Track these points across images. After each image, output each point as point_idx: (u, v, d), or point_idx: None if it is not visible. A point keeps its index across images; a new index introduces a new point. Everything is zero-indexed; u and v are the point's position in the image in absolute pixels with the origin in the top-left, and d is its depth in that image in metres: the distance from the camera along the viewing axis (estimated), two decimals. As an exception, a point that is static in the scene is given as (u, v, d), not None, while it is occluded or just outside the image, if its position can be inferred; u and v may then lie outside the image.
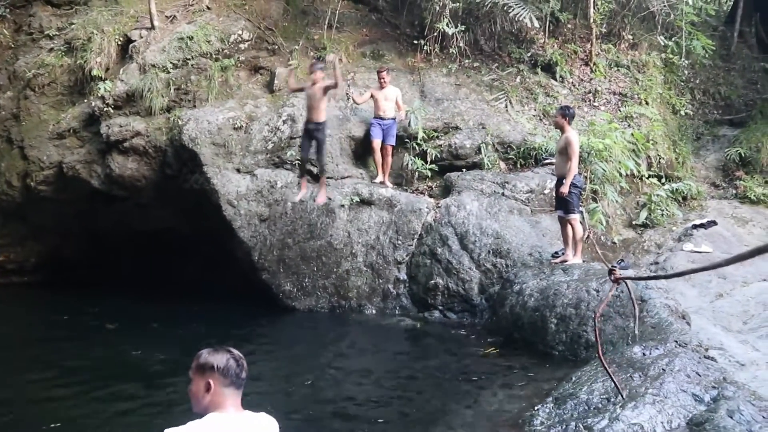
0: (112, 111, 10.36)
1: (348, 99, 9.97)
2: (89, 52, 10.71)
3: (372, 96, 9.82)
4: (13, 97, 11.34)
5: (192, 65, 10.48)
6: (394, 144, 9.73)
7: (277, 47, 11.16)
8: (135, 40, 10.88)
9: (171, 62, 10.43)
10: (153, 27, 10.90)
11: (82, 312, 9.49)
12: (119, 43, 11.02)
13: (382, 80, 9.78)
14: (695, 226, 9.72)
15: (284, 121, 9.96)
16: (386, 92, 9.74)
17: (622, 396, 4.26)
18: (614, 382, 4.31)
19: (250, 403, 2.56)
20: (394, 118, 9.72)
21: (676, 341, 5.34)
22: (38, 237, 11.81)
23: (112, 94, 10.36)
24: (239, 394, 2.52)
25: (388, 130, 9.67)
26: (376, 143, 9.68)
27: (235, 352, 2.57)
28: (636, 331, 5.68)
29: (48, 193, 11.03)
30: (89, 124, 10.69)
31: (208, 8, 11.40)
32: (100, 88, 10.36)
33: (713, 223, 9.81)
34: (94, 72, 10.60)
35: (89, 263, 12.01)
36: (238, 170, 9.70)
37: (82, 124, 10.76)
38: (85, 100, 10.74)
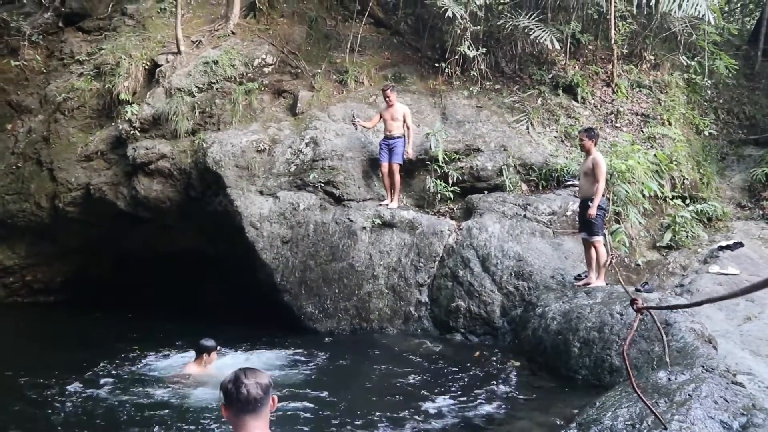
0: (138, 134, 10.58)
1: (356, 128, 9.86)
2: (117, 77, 10.99)
3: (381, 117, 9.77)
4: (44, 120, 11.64)
5: (216, 89, 10.68)
6: (400, 162, 9.54)
7: (300, 71, 11.33)
8: (161, 65, 11.13)
9: (196, 86, 10.64)
10: (179, 52, 11.15)
11: (106, 331, 9.63)
12: (146, 67, 11.29)
13: (387, 99, 9.61)
14: (721, 248, 9.58)
15: (307, 144, 10.06)
16: (392, 111, 9.57)
17: (664, 426, 4.17)
18: (655, 414, 4.22)
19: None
20: (400, 137, 9.55)
21: (703, 366, 5.25)
22: (65, 257, 12.03)
23: (139, 117, 10.59)
24: (259, 416, 2.46)
25: (393, 149, 9.52)
26: (384, 166, 9.57)
27: (239, 373, 2.50)
28: (666, 359, 5.58)
29: (75, 214, 11.25)
30: (116, 146, 10.92)
31: (233, 33, 11.64)
32: (127, 112, 10.60)
33: (740, 244, 9.66)
34: (122, 96, 10.86)
35: (114, 284, 12.18)
36: (261, 192, 9.80)
37: (110, 147, 11.00)
38: (113, 124, 10.99)
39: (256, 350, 8.29)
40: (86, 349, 8.49)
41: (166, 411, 5.99)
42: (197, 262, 11.78)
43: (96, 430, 5.63)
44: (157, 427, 5.61)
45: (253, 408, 2.45)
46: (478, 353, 7.76)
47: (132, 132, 10.57)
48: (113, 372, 7.37)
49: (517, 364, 7.24)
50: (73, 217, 11.28)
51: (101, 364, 7.63)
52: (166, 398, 6.37)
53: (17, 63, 11.92)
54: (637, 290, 7.88)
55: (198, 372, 6.81)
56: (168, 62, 11.15)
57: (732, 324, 7.71)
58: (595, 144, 7.79)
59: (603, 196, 7.84)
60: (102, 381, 7.00)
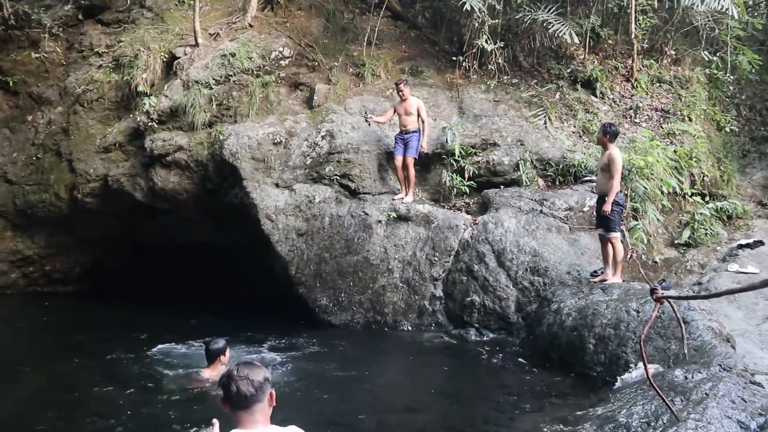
0: (156, 126, 10.65)
1: (369, 125, 9.78)
2: (136, 69, 11.06)
3: (395, 111, 9.68)
4: (64, 112, 11.75)
5: (234, 81, 10.71)
6: (415, 156, 9.45)
7: (317, 64, 11.33)
8: (179, 57, 11.19)
9: (213, 78, 10.68)
10: (197, 44, 11.20)
11: (119, 322, 9.74)
12: (164, 59, 11.35)
13: (400, 93, 9.48)
14: (741, 246, 9.46)
15: (323, 137, 10.07)
16: (406, 106, 9.46)
17: (676, 418, 4.12)
18: (670, 409, 4.18)
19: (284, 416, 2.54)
20: (416, 131, 9.46)
21: (720, 365, 5.18)
22: (83, 248, 12.16)
23: (157, 109, 10.65)
24: (253, 412, 2.48)
25: (408, 143, 9.43)
26: (398, 160, 9.49)
27: (232, 369, 2.52)
28: (684, 351, 5.52)
29: (93, 205, 11.35)
30: (134, 138, 11.00)
31: (251, 26, 11.67)
32: (145, 104, 10.66)
33: (760, 243, 9.53)
34: (140, 88, 10.92)
35: (131, 275, 12.29)
36: (277, 185, 9.82)
37: (128, 139, 11.08)
38: (131, 115, 11.06)
39: (269, 342, 8.33)
40: (105, 340, 8.59)
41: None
42: (213, 254, 11.85)
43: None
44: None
45: (245, 405, 2.47)
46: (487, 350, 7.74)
47: (150, 124, 10.64)
48: (128, 365, 7.44)
49: (525, 362, 7.21)
50: (92, 208, 11.38)
51: (116, 356, 7.72)
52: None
53: (38, 55, 12.03)
54: (655, 287, 7.80)
55: (213, 375, 6.16)
56: (186, 55, 11.20)
57: (751, 323, 7.61)
58: (611, 140, 7.65)
59: (621, 192, 7.74)
60: (118, 375, 7.07)
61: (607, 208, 7.49)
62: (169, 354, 7.77)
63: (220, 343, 6.34)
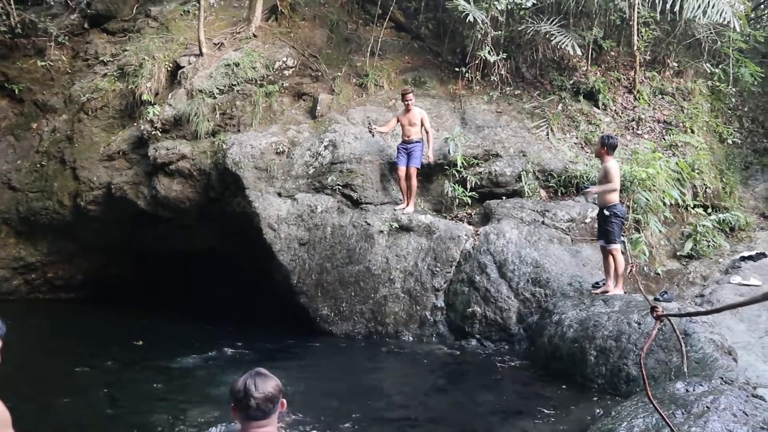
0: (159, 134, 10.71)
1: (373, 135, 9.77)
2: (140, 78, 11.13)
3: (398, 121, 9.66)
4: (68, 119, 11.83)
5: (237, 91, 10.77)
6: (418, 166, 9.45)
7: (320, 74, 11.38)
8: (184, 66, 11.26)
9: (217, 88, 10.74)
10: (201, 54, 11.26)
11: (118, 328, 9.74)
12: (169, 69, 11.42)
13: (407, 102, 9.39)
14: (743, 258, 9.44)
15: (326, 147, 10.09)
16: (410, 116, 9.43)
17: None
18: (670, 427, 4.16)
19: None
20: (419, 141, 9.46)
21: (722, 378, 5.17)
22: (86, 255, 12.19)
23: (161, 118, 10.71)
24: (268, 423, 2.53)
25: (412, 153, 9.43)
26: (401, 170, 9.49)
27: (249, 384, 2.55)
28: (685, 369, 5.50)
29: (96, 212, 11.39)
30: (138, 146, 11.05)
31: (255, 36, 11.73)
32: (149, 112, 10.72)
33: (763, 255, 9.51)
34: (144, 96, 11.00)
35: (134, 282, 12.31)
36: (280, 194, 9.84)
37: (131, 147, 11.14)
38: (135, 124, 11.13)
39: (269, 351, 8.32)
40: (108, 350, 8.58)
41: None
42: (215, 262, 11.86)
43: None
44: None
45: (261, 416, 2.54)
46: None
47: (153, 132, 10.70)
48: (135, 377, 7.43)
49: (526, 374, 7.19)
50: (95, 216, 11.43)
51: (119, 367, 7.72)
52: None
53: (43, 63, 12.14)
54: (657, 299, 7.79)
55: None
56: (190, 64, 11.27)
57: (753, 336, 7.58)
58: (609, 152, 7.63)
59: (622, 203, 7.75)
60: (124, 389, 7.06)
61: (593, 189, 7.89)
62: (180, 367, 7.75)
63: None
